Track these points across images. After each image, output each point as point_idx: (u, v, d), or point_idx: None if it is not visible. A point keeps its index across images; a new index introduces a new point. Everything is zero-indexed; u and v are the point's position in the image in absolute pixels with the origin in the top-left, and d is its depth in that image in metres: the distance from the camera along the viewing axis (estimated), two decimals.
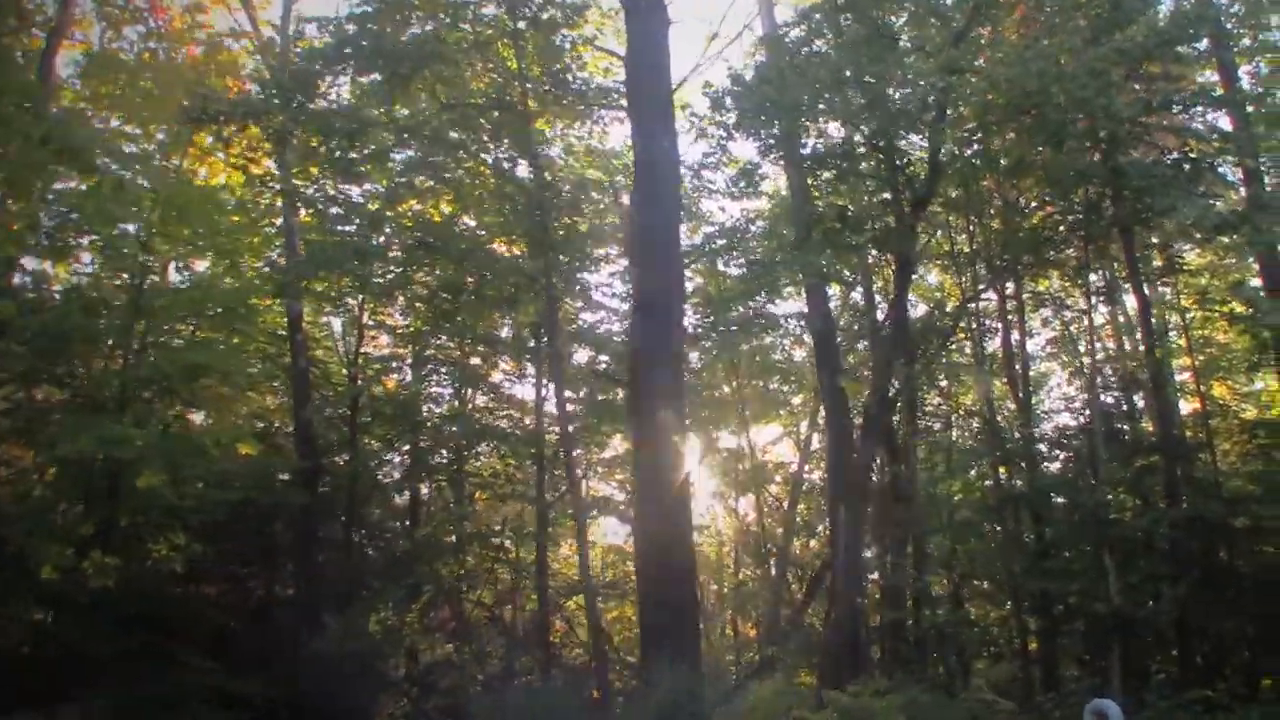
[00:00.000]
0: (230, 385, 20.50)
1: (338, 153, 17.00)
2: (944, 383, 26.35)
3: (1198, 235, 18.19)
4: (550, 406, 24.15)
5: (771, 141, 17.94)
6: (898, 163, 18.48)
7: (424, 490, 25.73)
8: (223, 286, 19.55)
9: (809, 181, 20.04)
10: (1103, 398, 21.02)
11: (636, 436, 16.21)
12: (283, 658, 19.16)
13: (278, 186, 19.54)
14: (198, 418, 25.45)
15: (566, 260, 19.12)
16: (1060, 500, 20.24)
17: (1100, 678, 18.52)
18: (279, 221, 22.69)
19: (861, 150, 18.71)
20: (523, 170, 19.79)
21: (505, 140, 18.74)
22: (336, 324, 25.64)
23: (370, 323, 24.98)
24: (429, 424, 24.05)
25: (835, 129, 19.16)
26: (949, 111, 17.65)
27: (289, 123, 15.97)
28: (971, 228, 22.85)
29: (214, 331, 19.14)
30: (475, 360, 25.36)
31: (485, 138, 19.21)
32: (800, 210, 19.21)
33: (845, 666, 20.73)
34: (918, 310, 27.25)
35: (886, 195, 19.06)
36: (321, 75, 17.02)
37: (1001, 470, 21.85)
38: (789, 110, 16.62)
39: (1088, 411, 20.85)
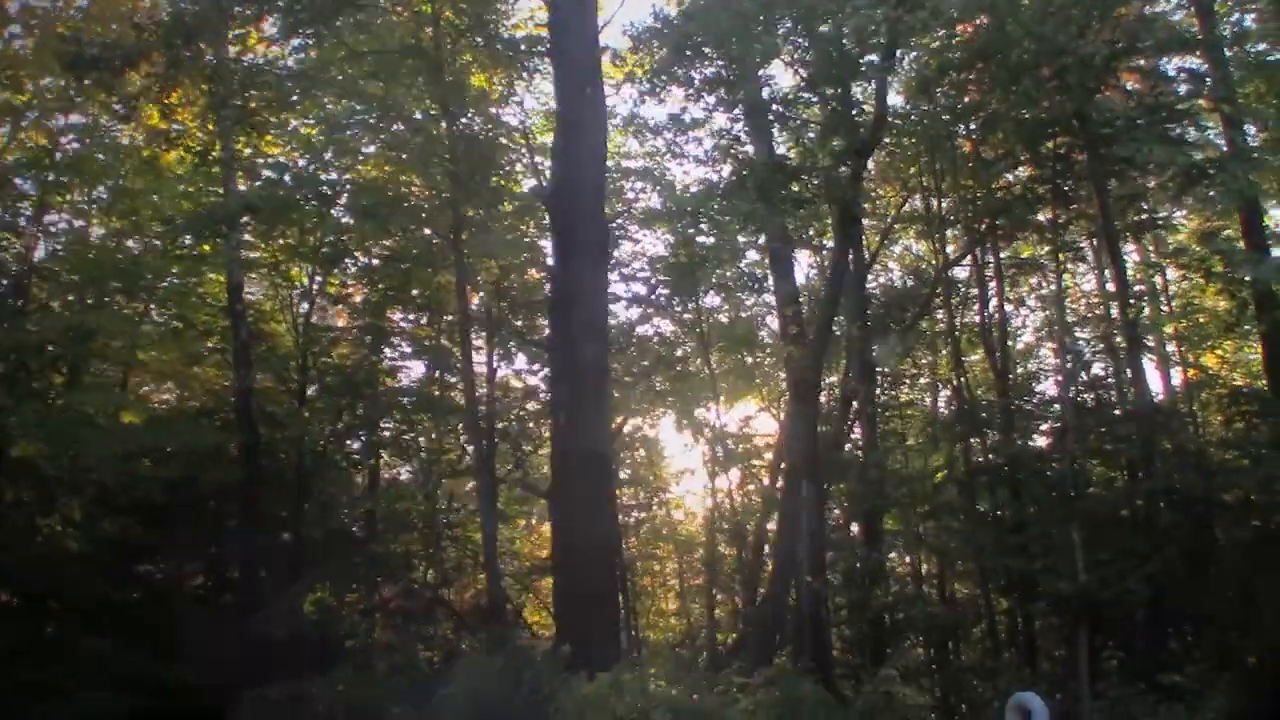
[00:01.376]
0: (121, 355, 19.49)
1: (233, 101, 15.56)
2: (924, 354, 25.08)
3: (1170, 187, 16.72)
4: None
5: (704, 88, 16.52)
6: (845, 110, 17.03)
7: (381, 467, 24.58)
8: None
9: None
10: (1072, 365, 19.55)
11: (555, 399, 14.94)
12: (218, 641, 18.09)
13: (201, 149, 18.14)
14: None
15: (478, 214, 17.68)
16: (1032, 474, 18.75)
17: (1068, 662, 17.25)
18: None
19: (804, 96, 17.28)
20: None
21: (418, 89, 17.30)
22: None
23: (329, 295, 23.85)
24: (376, 397, 22.72)
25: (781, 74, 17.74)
26: (900, 53, 16.26)
27: (171, 69, 14.69)
28: (941, 185, 21.43)
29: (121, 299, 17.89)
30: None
31: (401, 90, 17.80)
32: (732, 159, 17.76)
33: (805, 651, 19.56)
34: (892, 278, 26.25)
35: (836, 144, 17.62)
36: (222, 20, 15.63)
37: (974, 443, 20.39)
38: (718, 47, 15.22)
39: (1060, 379, 19.41)
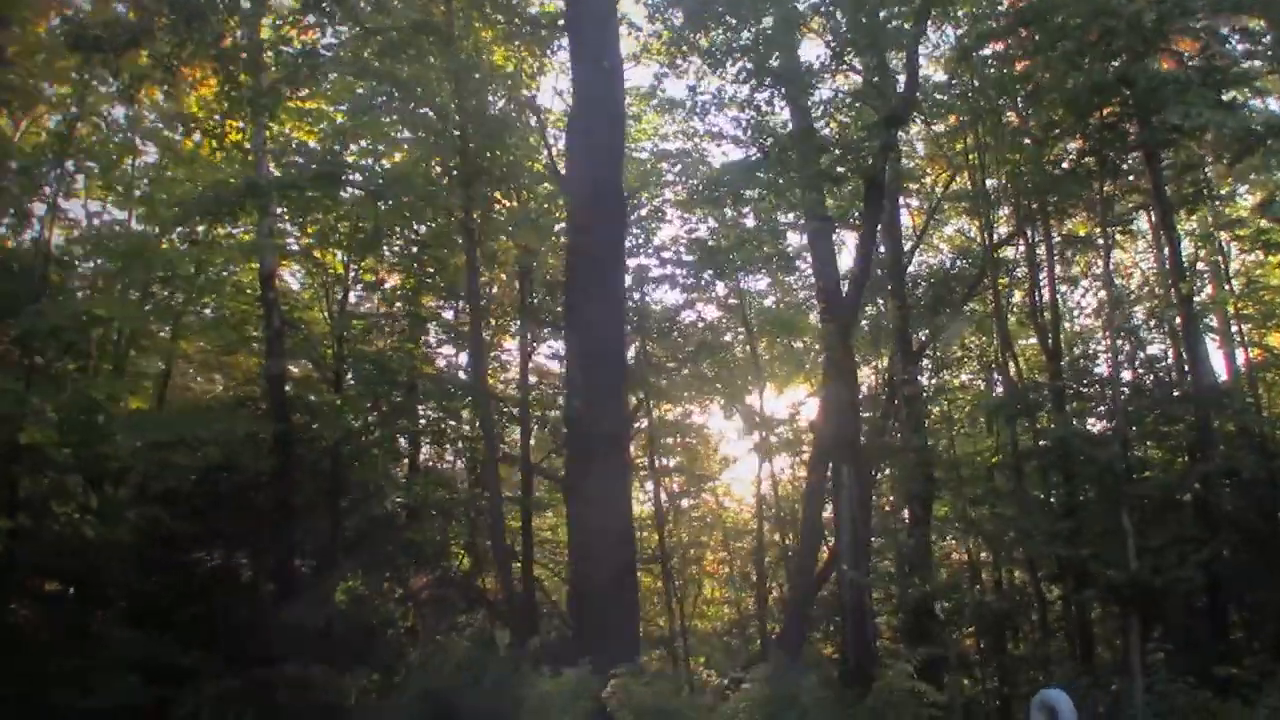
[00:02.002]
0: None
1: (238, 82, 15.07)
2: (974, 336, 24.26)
3: (1225, 155, 15.77)
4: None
5: (724, 57, 15.78)
6: (879, 78, 16.23)
7: (419, 455, 24.24)
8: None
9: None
10: (1124, 344, 18.64)
11: (570, 382, 14.29)
12: (250, 630, 17.89)
13: (219, 133, 17.73)
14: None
15: (490, 193, 17.12)
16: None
17: (1121, 653, 16.44)
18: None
19: (833, 65, 16.49)
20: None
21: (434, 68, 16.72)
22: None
23: (365, 282, 23.56)
24: (413, 384, 22.31)
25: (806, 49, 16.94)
26: (940, 26, 15.48)
27: (176, 48, 14.24)
28: (985, 160, 20.56)
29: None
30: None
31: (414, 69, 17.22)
32: (757, 131, 16.96)
33: (850, 644, 18.90)
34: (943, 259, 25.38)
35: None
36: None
37: (1024, 426, 19.54)
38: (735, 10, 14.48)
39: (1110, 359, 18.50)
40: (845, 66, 16.47)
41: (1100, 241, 18.32)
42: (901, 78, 16.51)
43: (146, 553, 17.43)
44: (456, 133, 16.20)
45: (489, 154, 16.11)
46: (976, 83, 18.55)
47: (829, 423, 20.21)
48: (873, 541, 19.47)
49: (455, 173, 16.83)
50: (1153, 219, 19.96)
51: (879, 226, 18.63)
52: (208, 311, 22.80)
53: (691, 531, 28.05)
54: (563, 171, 16.37)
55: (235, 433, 19.59)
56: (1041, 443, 18.37)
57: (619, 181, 14.51)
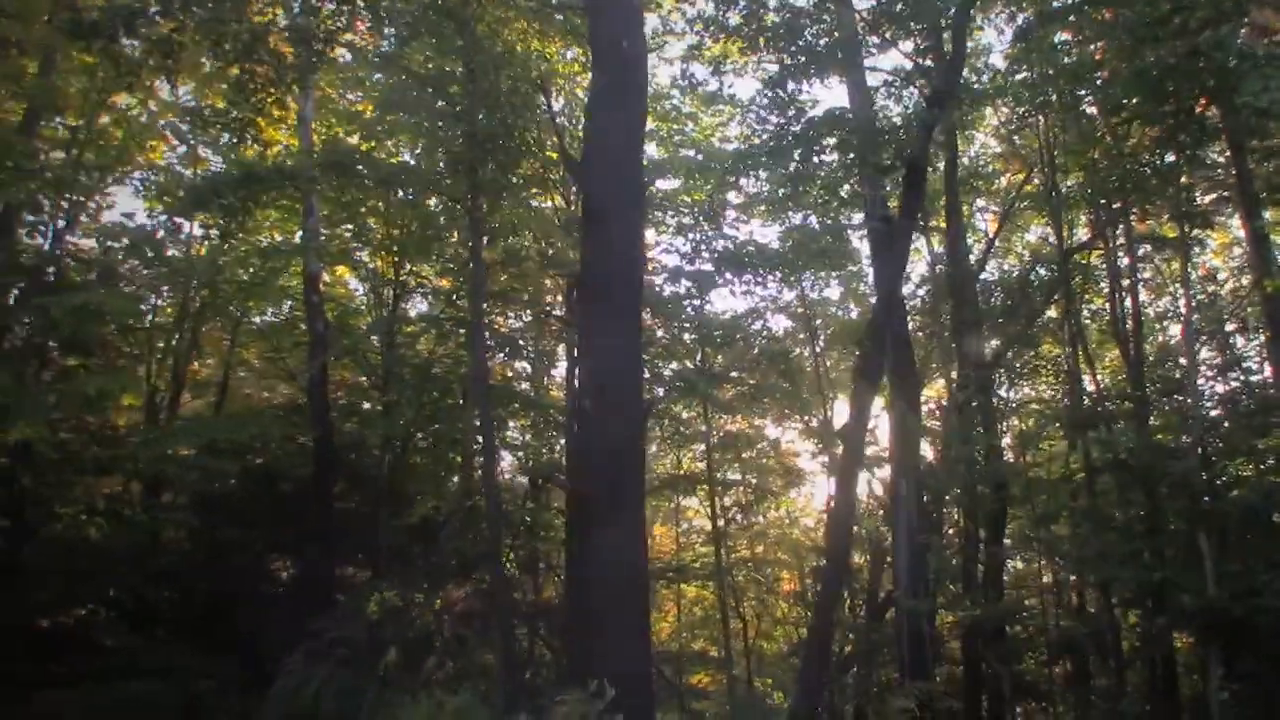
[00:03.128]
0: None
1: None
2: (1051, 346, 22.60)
3: None
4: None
5: (756, 34, 14.60)
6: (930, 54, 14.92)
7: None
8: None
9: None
10: (1206, 349, 16.96)
11: (579, 387, 13.04)
12: (276, 639, 17.20)
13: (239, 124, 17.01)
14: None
15: (496, 178, 15.93)
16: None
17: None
18: None
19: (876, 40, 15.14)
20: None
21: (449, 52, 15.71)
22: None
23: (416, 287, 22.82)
24: (453, 389, 21.43)
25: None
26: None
27: (174, 32, 13.48)
28: (1054, 155, 19.08)
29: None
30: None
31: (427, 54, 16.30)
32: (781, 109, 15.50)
33: (907, 676, 17.46)
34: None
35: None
36: None
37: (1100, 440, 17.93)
38: None
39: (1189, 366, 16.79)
40: (886, 42, 15.12)
41: (1183, 239, 16.65)
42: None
43: (177, 559, 16.96)
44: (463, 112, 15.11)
45: (499, 140, 15.07)
46: (1045, 69, 17.16)
47: (894, 436, 19.01)
48: (936, 562, 17.81)
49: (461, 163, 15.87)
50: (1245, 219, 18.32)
51: (927, 223, 17.26)
52: (260, 318, 22.37)
53: (756, 549, 26.69)
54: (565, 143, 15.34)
55: (271, 439, 18.92)
56: (1115, 456, 16.70)
57: (638, 171, 13.36)
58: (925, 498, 19.41)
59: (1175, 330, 20.72)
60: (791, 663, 26.45)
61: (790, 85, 14.61)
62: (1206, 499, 14.86)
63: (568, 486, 14.45)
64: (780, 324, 25.52)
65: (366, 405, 22.26)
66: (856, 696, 20.03)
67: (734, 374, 24.53)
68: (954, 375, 21.75)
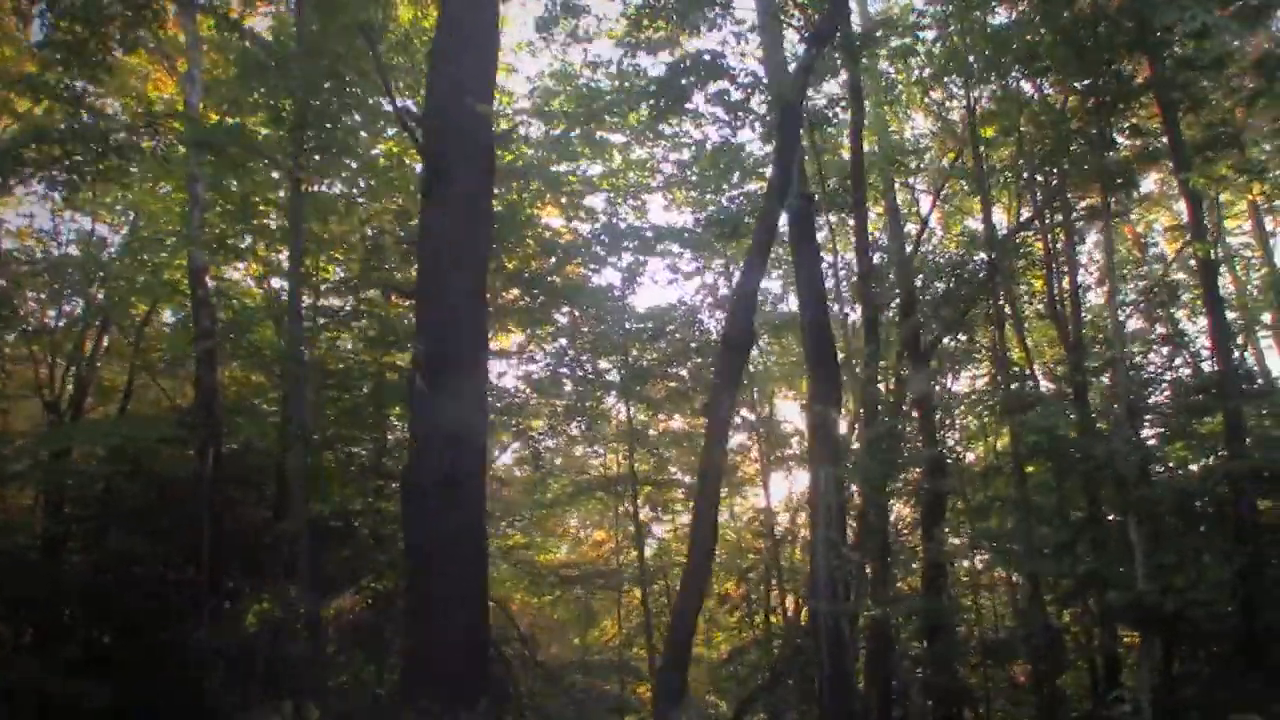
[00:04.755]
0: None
1: None
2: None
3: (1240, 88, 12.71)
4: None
5: None
6: None
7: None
8: None
9: None
10: (1129, 323, 15.50)
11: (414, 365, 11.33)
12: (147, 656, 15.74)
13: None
14: None
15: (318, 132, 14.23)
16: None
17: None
18: None
19: None
20: None
21: None
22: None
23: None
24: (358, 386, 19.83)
25: None
26: None
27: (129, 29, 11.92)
28: (976, 124, 17.65)
29: None
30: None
31: None
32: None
33: (826, 683, 15.86)
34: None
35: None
36: None
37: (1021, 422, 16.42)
38: None
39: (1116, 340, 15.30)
40: None
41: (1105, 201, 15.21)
42: None
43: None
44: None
45: (326, 95, 13.48)
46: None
47: (811, 431, 17.49)
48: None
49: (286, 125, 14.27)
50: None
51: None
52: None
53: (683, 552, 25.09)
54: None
55: (146, 441, 17.37)
56: (1043, 441, 15.19)
57: (487, 128, 11.79)
58: (853, 492, 17.91)
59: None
60: (731, 671, 24.91)
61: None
62: (1137, 486, 13.35)
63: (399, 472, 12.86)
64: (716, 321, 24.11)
65: (263, 405, 20.62)
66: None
67: (669, 369, 23.17)
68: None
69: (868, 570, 15.36)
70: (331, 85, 13.44)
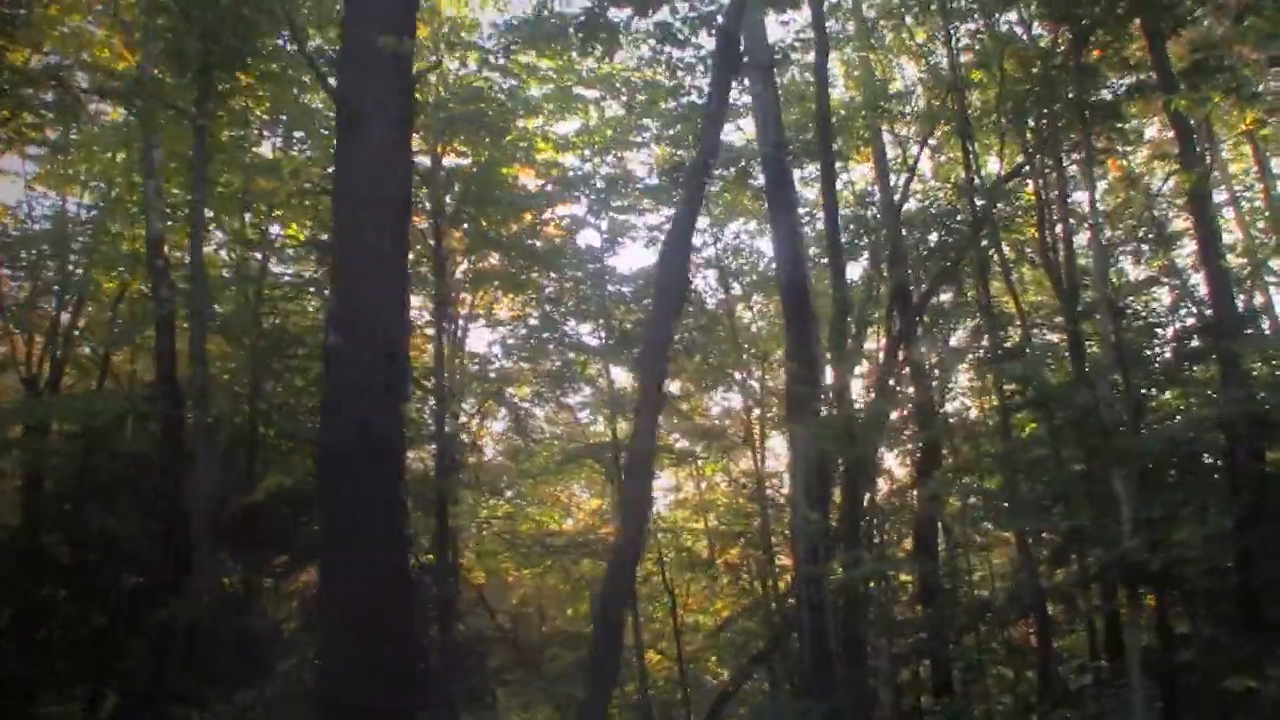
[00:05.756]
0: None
1: None
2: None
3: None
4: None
5: None
6: None
7: None
8: None
9: None
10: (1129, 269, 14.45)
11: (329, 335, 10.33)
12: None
13: None
14: None
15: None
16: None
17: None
18: None
19: None
20: None
21: None
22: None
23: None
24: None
25: None
26: None
27: None
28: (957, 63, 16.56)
29: None
30: None
31: None
32: None
33: (806, 647, 14.99)
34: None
35: None
36: None
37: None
38: None
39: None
40: None
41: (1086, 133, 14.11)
42: None
43: None
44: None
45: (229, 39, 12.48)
46: None
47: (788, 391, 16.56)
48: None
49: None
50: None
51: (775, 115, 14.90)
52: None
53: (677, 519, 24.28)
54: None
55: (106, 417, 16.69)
56: (1026, 390, 14.14)
57: (407, 70, 10.72)
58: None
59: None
60: (728, 637, 24.06)
61: None
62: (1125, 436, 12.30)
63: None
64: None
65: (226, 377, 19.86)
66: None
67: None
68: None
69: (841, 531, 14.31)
70: (237, 26, 12.46)
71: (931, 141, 20.04)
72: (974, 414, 21.13)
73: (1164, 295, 16.32)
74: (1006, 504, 14.61)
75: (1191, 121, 14.16)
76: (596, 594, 14.95)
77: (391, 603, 9.55)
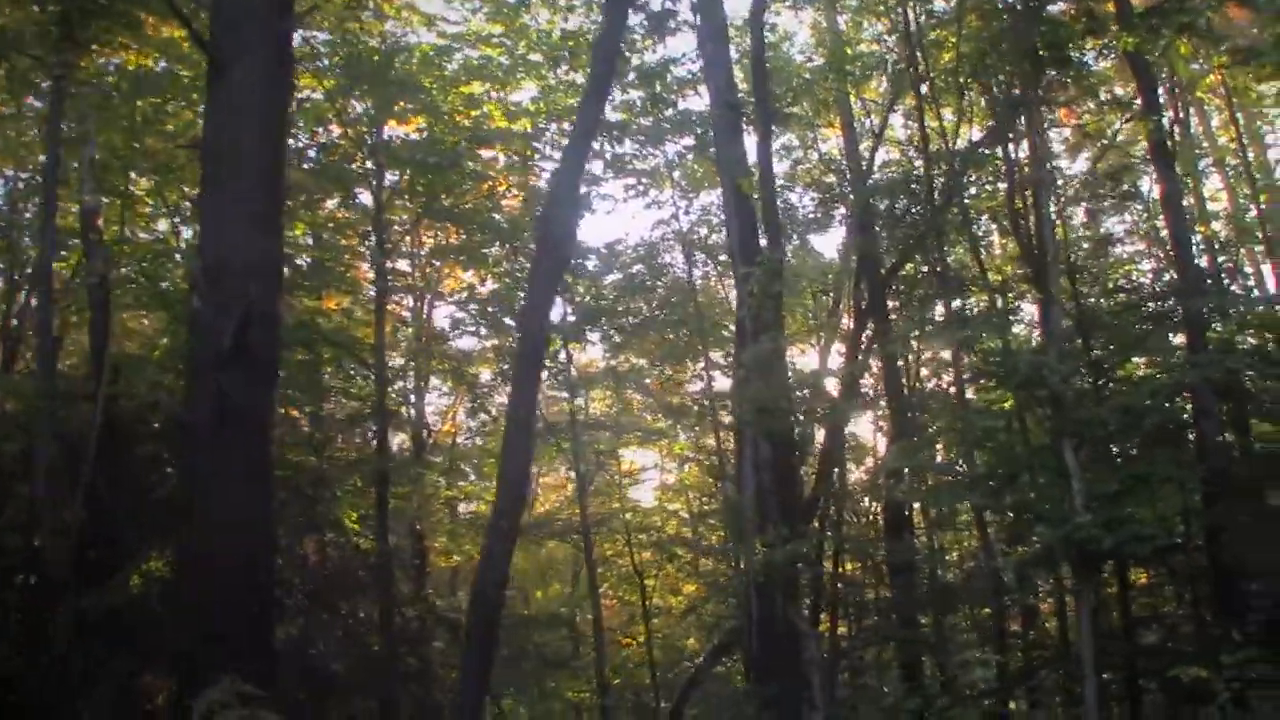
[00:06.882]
0: None
1: None
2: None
3: None
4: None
5: None
6: None
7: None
8: None
9: None
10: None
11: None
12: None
13: None
14: None
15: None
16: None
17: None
18: None
19: None
20: None
21: None
22: None
23: None
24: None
25: None
26: None
27: None
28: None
29: None
30: None
31: None
32: None
33: (753, 635, 13.95)
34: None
35: None
36: None
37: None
38: None
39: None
40: None
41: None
42: None
43: None
44: None
45: None
46: None
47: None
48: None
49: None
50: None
51: None
52: None
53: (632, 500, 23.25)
54: None
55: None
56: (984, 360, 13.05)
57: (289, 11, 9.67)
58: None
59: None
60: (690, 620, 23.03)
61: None
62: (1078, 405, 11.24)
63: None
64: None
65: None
66: None
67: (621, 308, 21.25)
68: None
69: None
70: None
71: (899, 107, 18.99)
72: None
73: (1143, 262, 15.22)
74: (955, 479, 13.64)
75: (1160, 74, 13.12)
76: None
77: (254, 584, 8.59)
